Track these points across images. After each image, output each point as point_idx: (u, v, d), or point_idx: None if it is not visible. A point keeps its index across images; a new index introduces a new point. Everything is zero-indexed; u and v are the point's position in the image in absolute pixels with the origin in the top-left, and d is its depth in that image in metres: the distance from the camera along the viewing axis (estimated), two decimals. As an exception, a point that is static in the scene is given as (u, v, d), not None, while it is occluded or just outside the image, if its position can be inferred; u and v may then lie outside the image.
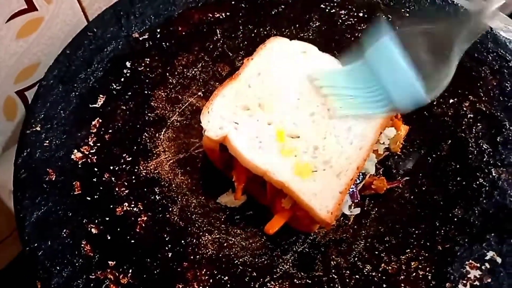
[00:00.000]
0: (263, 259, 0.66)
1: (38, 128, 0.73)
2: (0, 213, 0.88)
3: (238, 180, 0.68)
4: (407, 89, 0.64)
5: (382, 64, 0.65)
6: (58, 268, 0.63)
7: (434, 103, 0.77)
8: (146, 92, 0.79)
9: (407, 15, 0.86)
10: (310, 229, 0.67)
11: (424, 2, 0.87)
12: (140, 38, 0.84)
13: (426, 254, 0.65)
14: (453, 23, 0.64)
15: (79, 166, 0.71)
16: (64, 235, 0.65)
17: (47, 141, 0.73)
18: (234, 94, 0.70)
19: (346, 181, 0.64)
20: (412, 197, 0.71)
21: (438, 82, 0.64)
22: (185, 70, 0.82)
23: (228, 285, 0.63)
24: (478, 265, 0.64)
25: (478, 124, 0.75)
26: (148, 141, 0.75)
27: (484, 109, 0.76)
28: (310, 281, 0.64)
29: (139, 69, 0.81)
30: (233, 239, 0.67)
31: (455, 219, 0.68)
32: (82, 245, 0.65)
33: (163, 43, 0.84)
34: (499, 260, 0.64)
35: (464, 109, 0.77)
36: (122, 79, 0.80)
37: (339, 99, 0.69)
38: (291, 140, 0.67)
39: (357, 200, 0.68)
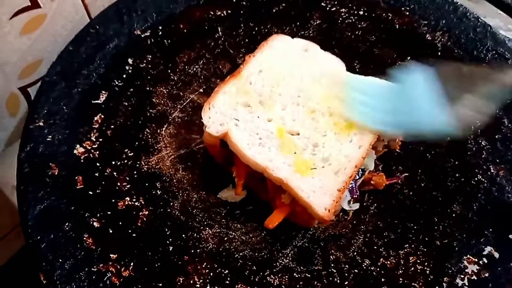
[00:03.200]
0: (263, 253, 0.66)
1: (41, 123, 0.74)
2: (3, 208, 0.89)
3: (238, 176, 0.68)
4: (435, 119, 0.62)
5: (414, 91, 0.65)
6: (60, 260, 0.64)
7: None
8: (147, 88, 0.80)
9: (407, 13, 0.87)
10: (310, 224, 0.68)
11: (424, 1, 0.87)
12: (142, 35, 0.85)
13: (425, 249, 0.66)
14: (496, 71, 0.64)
15: (82, 161, 0.72)
16: (67, 228, 0.66)
17: (50, 136, 0.73)
18: (235, 91, 0.71)
19: (344, 179, 0.64)
20: (411, 193, 0.71)
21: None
22: (186, 67, 0.83)
23: (228, 279, 0.64)
24: (476, 260, 0.65)
25: (477, 122, 0.75)
26: (149, 136, 0.76)
27: (483, 106, 0.76)
28: (309, 275, 0.65)
29: (141, 66, 0.82)
30: (233, 233, 0.68)
31: (454, 215, 0.69)
32: (84, 238, 0.66)
33: (165, 40, 0.85)
34: (496, 255, 0.65)
35: (463, 106, 0.77)
36: (124, 76, 0.81)
37: (353, 105, 0.68)
38: (291, 137, 0.68)
39: (356, 196, 0.69)
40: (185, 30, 0.86)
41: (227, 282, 0.64)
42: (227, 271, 0.65)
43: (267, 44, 0.76)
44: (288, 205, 0.65)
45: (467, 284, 0.63)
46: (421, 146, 0.75)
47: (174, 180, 0.72)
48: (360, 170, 0.68)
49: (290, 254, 0.66)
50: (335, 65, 0.74)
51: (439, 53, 0.82)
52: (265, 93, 0.71)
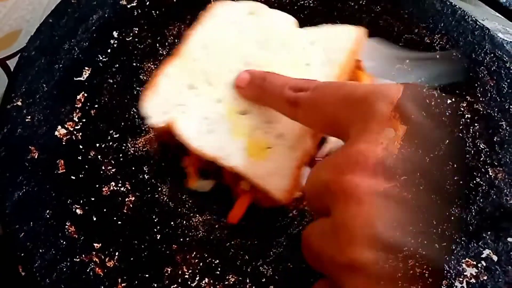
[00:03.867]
0: (255, 242, 0.63)
1: (19, 103, 0.70)
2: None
3: (190, 165, 0.64)
4: None
5: None
6: (40, 250, 0.60)
7: (432, 102, 0.76)
8: (134, 64, 0.75)
9: (405, 16, 0.84)
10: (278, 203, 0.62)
11: (422, 3, 0.85)
12: (128, 6, 0.80)
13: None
14: None
15: (63, 143, 0.68)
16: (47, 216, 0.62)
17: (29, 117, 0.69)
18: (178, 71, 0.65)
19: (300, 153, 0.60)
20: (408, 193, 0.69)
21: None
22: (176, 40, 0.77)
23: (219, 269, 0.60)
24: (475, 263, 0.63)
25: (475, 124, 0.74)
26: (136, 117, 0.71)
27: (481, 109, 0.75)
28: (304, 265, 0.61)
29: (127, 39, 0.77)
30: (224, 220, 0.64)
31: (452, 218, 0.67)
32: (66, 226, 0.62)
33: (153, 11, 0.80)
34: (495, 258, 0.64)
35: (462, 109, 0.76)
36: (109, 51, 0.76)
37: None
38: (242, 117, 0.62)
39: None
40: (174, 1, 0.81)
41: (218, 272, 0.60)
42: (217, 260, 0.61)
43: (207, 13, 0.70)
44: (249, 191, 0.61)
45: (465, 287, 0.62)
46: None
47: (163, 165, 0.67)
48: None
49: (284, 243, 0.63)
50: (285, 24, 0.68)
51: (437, 56, 0.81)
52: (212, 70, 0.65)
